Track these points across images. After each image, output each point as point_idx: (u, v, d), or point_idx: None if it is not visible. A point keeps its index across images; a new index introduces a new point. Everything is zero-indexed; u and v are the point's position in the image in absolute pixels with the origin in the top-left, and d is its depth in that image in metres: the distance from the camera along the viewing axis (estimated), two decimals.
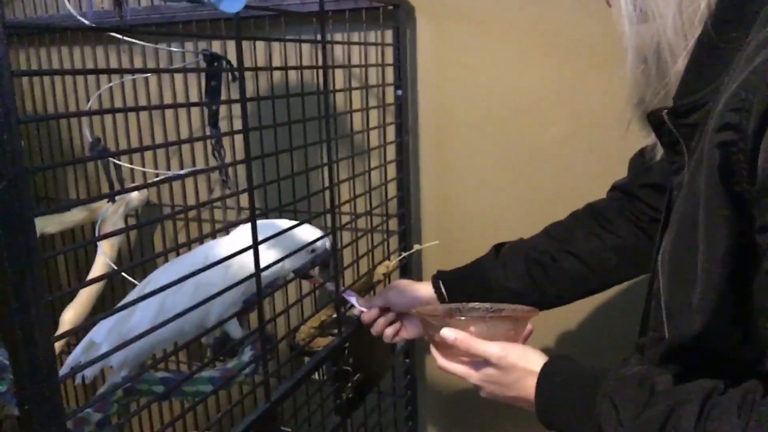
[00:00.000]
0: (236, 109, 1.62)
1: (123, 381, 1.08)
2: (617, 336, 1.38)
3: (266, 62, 1.55)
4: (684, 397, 0.64)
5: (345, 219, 1.45)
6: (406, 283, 1.20)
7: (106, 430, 1.04)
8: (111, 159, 0.87)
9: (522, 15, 1.37)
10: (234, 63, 1.17)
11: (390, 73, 1.43)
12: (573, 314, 1.44)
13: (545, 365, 0.82)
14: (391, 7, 1.39)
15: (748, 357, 0.61)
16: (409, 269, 1.53)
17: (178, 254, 1.23)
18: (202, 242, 1.26)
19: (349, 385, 1.21)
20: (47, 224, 1.59)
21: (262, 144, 1.45)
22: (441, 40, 1.45)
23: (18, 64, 1.83)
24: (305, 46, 1.53)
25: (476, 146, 1.48)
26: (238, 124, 1.61)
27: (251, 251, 0.86)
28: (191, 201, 1.70)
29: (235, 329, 1.18)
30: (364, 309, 1.17)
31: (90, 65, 1.74)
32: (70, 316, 1.51)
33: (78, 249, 1.81)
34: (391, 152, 1.44)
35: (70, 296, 1.52)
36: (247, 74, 1.54)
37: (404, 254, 1.47)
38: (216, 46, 1.56)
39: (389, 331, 1.17)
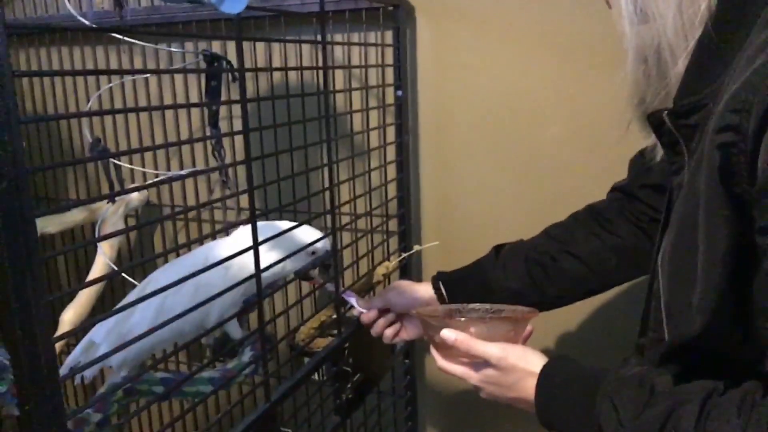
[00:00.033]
0: (236, 109, 1.62)
1: (123, 381, 1.08)
2: (617, 336, 1.38)
3: (266, 63, 1.55)
4: (684, 397, 0.64)
5: (345, 219, 1.45)
6: (406, 284, 1.20)
7: (106, 430, 1.04)
8: (111, 159, 0.87)
9: (522, 15, 1.37)
10: (234, 63, 1.18)
11: (390, 73, 1.43)
12: (573, 315, 1.44)
13: (545, 366, 0.82)
14: (391, 8, 1.39)
15: (749, 357, 0.61)
16: (409, 270, 1.53)
17: (178, 255, 1.23)
18: (202, 243, 1.26)
19: (349, 385, 1.21)
20: (47, 224, 1.59)
21: (262, 144, 1.45)
22: (441, 40, 1.45)
23: (18, 64, 1.83)
24: (305, 47, 1.53)
25: (476, 147, 1.48)
26: (237, 125, 1.61)
27: (251, 252, 0.86)
28: (191, 201, 1.70)
29: (235, 330, 1.18)
30: (363, 310, 1.17)
31: (90, 65, 1.74)
32: (69, 317, 1.51)
33: (78, 249, 1.81)
34: (391, 153, 1.45)
35: (70, 296, 1.52)
36: (248, 75, 1.54)
37: (404, 255, 1.47)
38: (216, 47, 1.56)
39: (389, 332, 1.17)
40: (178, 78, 1.64)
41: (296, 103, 1.39)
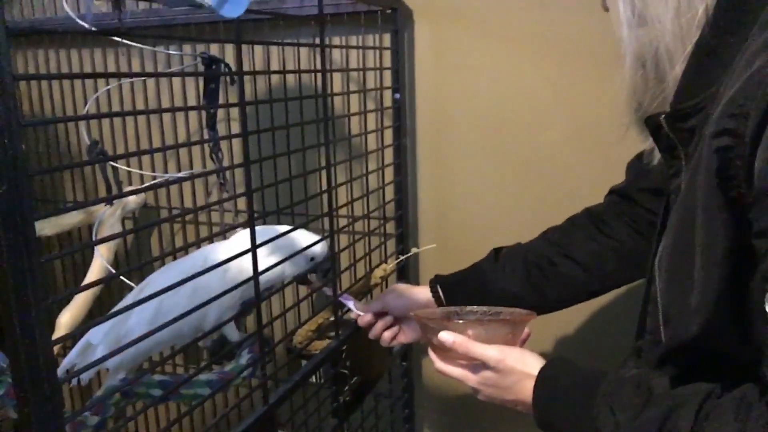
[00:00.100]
0: (234, 112, 1.62)
1: (121, 384, 1.08)
2: (614, 339, 1.37)
3: (264, 65, 1.56)
4: (681, 399, 0.65)
5: (342, 222, 1.45)
6: (403, 287, 1.20)
7: None
8: (111, 162, 0.87)
9: (520, 18, 1.37)
10: (232, 66, 1.18)
11: (388, 76, 1.43)
12: (570, 317, 1.44)
13: (543, 368, 0.82)
14: (389, 11, 1.39)
15: (746, 359, 0.62)
16: (407, 273, 1.53)
17: (175, 257, 1.23)
18: (199, 245, 1.26)
19: (347, 388, 1.21)
20: (44, 227, 1.58)
21: (260, 147, 1.45)
22: (439, 43, 1.45)
23: (16, 66, 1.83)
24: (303, 50, 1.53)
25: (474, 150, 1.48)
26: (235, 127, 1.61)
27: (249, 255, 0.86)
28: (188, 204, 1.70)
29: (232, 332, 1.18)
30: (361, 312, 1.17)
31: (88, 67, 1.74)
32: (66, 319, 1.51)
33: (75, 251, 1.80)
34: (388, 155, 1.45)
35: (67, 298, 1.52)
36: (246, 77, 1.54)
37: (402, 257, 1.47)
38: (214, 49, 1.56)
39: (387, 335, 1.17)
40: (176, 81, 1.64)
41: (294, 106, 1.39)
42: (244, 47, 1.53)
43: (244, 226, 0.88)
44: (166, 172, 1.67)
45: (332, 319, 1.19)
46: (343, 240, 1.49)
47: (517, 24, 1.38)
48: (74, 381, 1.12)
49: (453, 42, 1.44)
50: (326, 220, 1.10)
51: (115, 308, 0.77)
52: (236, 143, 1.59)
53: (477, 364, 0.87)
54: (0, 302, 0.54)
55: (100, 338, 1.06)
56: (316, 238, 1.13)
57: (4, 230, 0.52)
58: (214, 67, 1.11)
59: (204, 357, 1.59)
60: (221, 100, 1.15)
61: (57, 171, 1.95)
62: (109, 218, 1.58)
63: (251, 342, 1.11)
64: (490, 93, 1.43)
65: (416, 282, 1.58)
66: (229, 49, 1.56)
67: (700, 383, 0.66)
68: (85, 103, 1.71)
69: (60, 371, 1.04)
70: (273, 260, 1.02)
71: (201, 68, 1.10)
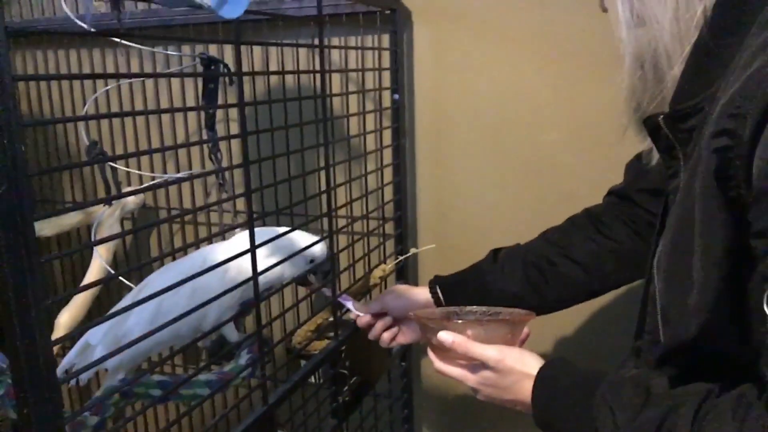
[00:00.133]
0: (232, 112, 1.62)
1: (120, 385, 1.08)
2: (613, 339, 1.38)
3: (263, 66, 1.56)
4: (680, 400, 0.65)
5: (341, 222, 1.45)
6: (403, 288, 1.20)
7: None
8: (110, 163, 0.87)
9: (519, 19, 1.37)
10: (231, 67, 1.18)
11: (387, 77, 1.44)
12: (569, 317, 1.44)
13: (542, 368, 0.82)
14: (388, 12, 1.39)
15: (745, 359, 0.62)
16: (406, 273, 1.53)
17: (174, 258, 1.23)
18: (198, 246, 1.26)
19: (346, 388, 1.21)
20: (43, 227, 1.58)
21: (259, 147, 1.45)
22: (438, 44, 1.46)
23: (15, 67, 1.83)
24: (302, 50, 1.53)
25: (473, 150, 1.48)
26: (234, 128, 1.62)
27: (249, 256, 0.87)
28: (187, 204, 1.70)
29: (231, 333, 1.18)
30: (360, 313, 1.17)
31: (87, 68, 1.73)
32: (65, 319, 1.51)
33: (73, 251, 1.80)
34: (387, 156, 1.45)
35: (66, 299, 1.52)
36: (245, 78, 1.54)
37: (400, 258, 1.48)
38: (213, 50, 1.56)
39: (386, 336, 1.17)
40: (175, 81, 1.64)
41: (293, 106, 1.39)
42: (243, 48, 1.53)
43: (243, 226, 0.88)
44: (165, 172, 1.67)
45: (331, 319, 1.19)
46: (342, 240, 1.49)
47: (516, 24, 1.38)
48: (73, 381, 1.12)
49: (452, 42, 1.44)
50: (325, 220, 1.10)
51: (114, 308, 0.77)
52: (235, 144, 1.59)
53: (476, 364, 0.87)
54: (0, 302, 0.54)
55: (99, 338, 1.06)
56: (315, 238, 1.13)
57: (4, 230, 0.52)
58: (213, 67, 1.11)
59: (203, 357, 1.59)
60: (220, 101, 1.15)
61: (56, 171, 1.94)
62: (108, 219, 1.58)
63: (250, 342, 1.11)
64: (489, 93, 1.44)
65: (415, 282, 1.58)
66: (228, 50, 1.56)
67: (699, 383, 0.66)
68: (85, 104, 1.71)
69: (59, 371, 1.04)
70: (272, 261, 1.02)
71: (200, 69, 1.10)
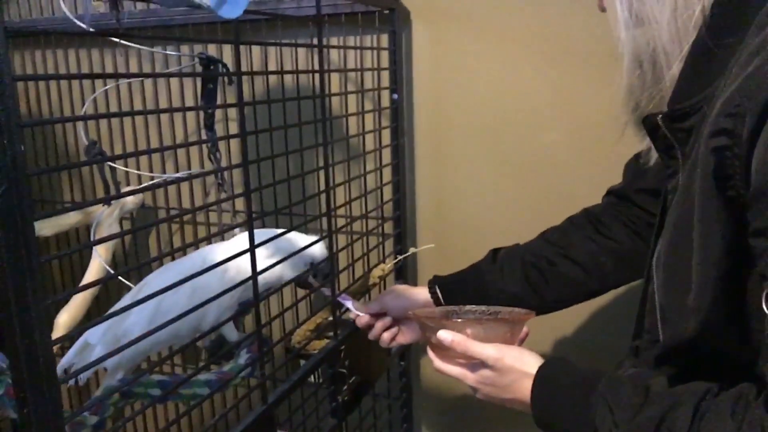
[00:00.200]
0: (231, 112, 1.62)
1: (119, 384, 1.08)
2: (612, 338, 1.38)
3: (262, 66, 1.56)
4: (678, 399, 0.65)
5: (341, 222, 1.45)
6: (402, 288, 1.21)
7: None
8: (109, 163, 0.87)
9: (518, 19, 1.37)
10: (230, 66, 1.18)
11: (386, 76, 1.44)
12: (568, 317, 1.44)
13: (541, 367, 0.82)
14: (386, 11, 1.39)
15: (746, 358, 0.62)
16: (405, 272, 1.53)
17: (173, 258, 1.23)
18: (197, 246, 1.26)
19: (345, 387, 1.21)
20: (43, 227, 1.58)
21: (258, 147, 1.46)
22: (437, 44, 1.46)
23: (14, 67, 1.83)
24: (301, 50, 1.53)
25: (472, 150, 1.48)
26: (233, 127, 1.62)
27: (248, 256, 0.87)
28: (186, 204, 1.70)
29: (231, 332, 1.18)
30: (359, 312, 1.17)
31: (86, 68, 1.73)
32: (65, 319, 1.51)
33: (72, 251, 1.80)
34: (386, 156, 1.45)
35: (66, 299, 1.52)
36: (244, 78, 1.54)
37: (399, 257, 1.48)
38: (212, 50, 1.56)
39: (386, 336, 1.17)
40: (174, 81, 1.64)
41: (292, 106, 1.39)
42: (242, 48, 1.53)
43: (242, 226, 0.88)
44: (164, 172, 1.67)
45: (331, 318, 1.19)
46: (342, 240, 1.49)
47: (515, 24, 1.38)
48: (72, 380, 1.12)
49: (451, 42, 1.44)
50: (324, 220, 1.10)
51: (114, 308, 0.77)
52: (234, 144, 1.59)
53: (475, 363, 0.87)
54: (0, 302, 0.54)
55: (98, 338, 1.06)
56: (313, 238, 1.13)
57: (4, 230, 0.52)
58: (212, 67, 1.11)
59: (203, 357, 1.59)
60: (219, 101, 1.15)
61: (55, 171, 1.94)
62: (107, 218, 1.58)
63: (250, 342, 1.11)
64: (488, 93, 1.44)
65: (414, 282, 1.58)
66: (227, 50, 1.56)
67: (698, 382, 0.66)
68: (83, 104, 1.71)
69: (58, 371, 1.04)
70: (272, 262, 1.02)
71: (199, 69, 1.10)
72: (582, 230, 1.08)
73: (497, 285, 1.10)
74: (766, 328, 0.57)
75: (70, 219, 1.62)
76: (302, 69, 1.54)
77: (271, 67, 1.55)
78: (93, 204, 0.86)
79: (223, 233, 1.38)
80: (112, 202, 1.56)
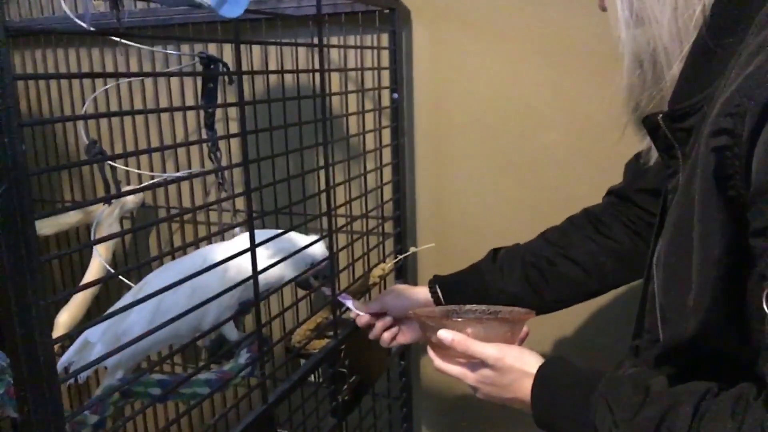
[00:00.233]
0: (231, 111, 1.62)
1: (120, 383, 1.08)
2: (612, 338, 1.38)
3: (263, 65, 1.56)
4: (678, 398, 0.65)
5: (341, 222, 1.45)
6: (402, 288, 1.21)
7: None
8: (109, 162, 0.87)
9: (518, 18, 1.37)
10: (230, 66, 1.18)
11: (386, 76, 1.44)
12: (568, 316, 1.44)
13: (541, 367, 0.82)
14: (387, 11, 1.39)
15: (746, 358, 0.62)
16: (405, 272, 1.53)
17: (174, 257, 1.23)
18: (197, 245, 1.27)
19: (345, 387, 1.21)
20: (43, 226, 1.58)
21: (258, 147, 1.46)
22: (437, 43, 1.46)
23: (14, 66, 1.83)
24: (301, 49, 1.53)
25: (472, 149, 1.48)
26: (234, 127, 1.62)
27: (249, 256, 0.87)
28: (187, 203, 1.70)
29: (231, 332, 1.18)
30: (360, 312, 1.18)
31: (86, 67, 1.73)
32: (65, 319, 1.51)
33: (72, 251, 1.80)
34: (387, 155, 1.45)
35: (66, 298, 1.52)
36: (244, 77, 1.54)
37: (400, 257, 1.48)
38: (212, 49, 1.56)
39: (387, 336, 1.17)
40: (175, 80, 1.64)
41: (292, 105, 1.39)
42: (243, 47, 1.54)
43: (242, 225, 0.88)
44: (164, 171, 1.67)
45: (331, 318, 1.19)
46: (342, 239, 1.49)
47: (516, 24, 1.38)
48: (71, 379, 1.12)
49: (451, 42, 1.44)
50: (324, 219, 1.10)
51: (114, 307, 0.77)
52: (234, 143, 1.60)
53: (476, 363, 0.87)
54: (0, 302, 0.54)
55: (98, 336, 1.06)
56: (319, 243, 1.13)
57: (4, 230, 0.52)
58: (212, 66, 1.11)
59: (203, 356, 1.59)
60: (219, 100, 1.15)
61: (55, 171, 1.94)
62: (107, 218, 1.58)
63: (250, 341, 1.11)
64: (488, 93, 1.44)
65: (414, 281, 1.58)
66: (228, 49, 1.56)
67: (698, 382, 0.66)
68: (84, 103, 1.71)
69: (58, 369, 1.04)
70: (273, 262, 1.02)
71: (199, 68, 1.10)
72: (582, 230, 1.08)
73: (497, 285, 1.10)
74: (766, 328, 0.57)
75: (71, 218, 1.62)
76: (302, 68, 1.54)
77: (272, 66, 1.55)
78: (93, 203, 0.86)
79: (223, 233, 1.38)
80: (113, 201, 1.56)
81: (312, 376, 1.18)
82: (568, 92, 1.37)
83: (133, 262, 1.82)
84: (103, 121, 1.72)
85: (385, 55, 1.43)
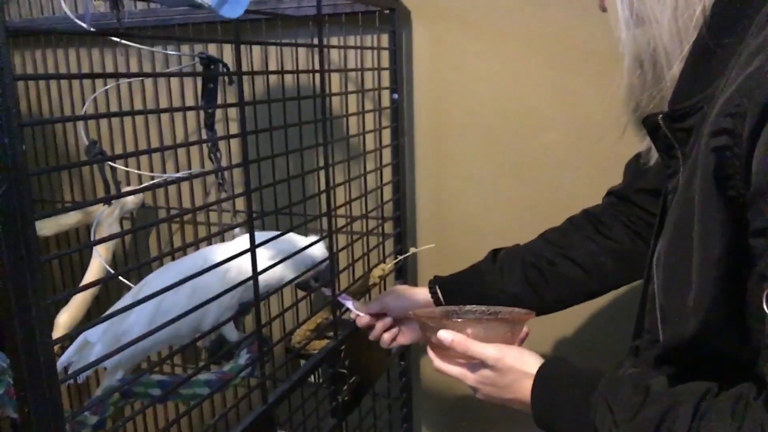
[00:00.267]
0: (231, 112, 1.62)
1: (120, 384, 1.08)
2: (612, 338, 1.38)
3: (263, 65, 1.56)
4: (678, 398, 0.65)
5: (341, 222, 1.45)
6: (403, 288, 1.20)
7: None
8: (109, 162, 0.87)
9: (518, 19, 1.37)
10: (230, 66, 1.18)
11: (386, 76, 1.44)
12: (568, 317, 1.44)
13: (541, 367, 0.82)
14: (387, 11, 1.39)
15: (746, 358, 0.62)
16: (405, 272, 1.53)
17: (174, 258, 1.23)
18: (197, 245, 1.26)
19: (345, 387, 1.21)
20: (43, 227, 1.58)
21: (258, 147, 1.46)
22: (437, 44, 1.46)
23: (14, 66, 1.83)
24: (301, 50, 1.53)
25: (472, 150, 1.48)
26: (234, 127, 1.62)
27: (249, 257, 0.87)
28: (187, 204, 1.70)
29: (231, 332, 1.18)
30: (360, 312, 1.17)
31: (86, 67, 1.73)
32: (65, 319, 1.51)
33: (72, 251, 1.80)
34: (387, 155, 1.45)
35: (66, 299, 1.52)
36: (244, 77, 1.54)
37: (400, 257, 1.48)
38: (212, 49, 1.56)
39: (387, 337, 1.17)
40: (175, 81, 1.64)
41: (292, 106, 1.39)
42: (243, 47, 1.53)
43: (242, 226, 0.88)
44: (164, 172, 1.67)
45: (331, 318, 1.19)
46: (342, 240, 1.49)
47: (515, 24, 1.38)
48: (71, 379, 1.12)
49: (451, 42, 1.44)
50: (324, 220, 1.10)
51: (113, 308, 0.77)
52: (235, 143, 1.59)
53: (476, 363, 0.87)
54: (0, 302, 0.54)
55: (98, 336, 1.06)
56: (319, 245, 1.13)
57: (4, 230, 0.52)
58: (212, 67, 1.11)
59: (203, 357, 1.59)
60: (220, 101, 1.15)
61: (55, 171, 1.94)
62: (107, 218, 1.58)
63: (250, 342, 1.11)
64: (488, 93, 1.44)
65: (414, 282, 1.58)
66: (228, 50, 1.56)
67: (698, 382, 0.66)
68: (84, 103, 1.71)
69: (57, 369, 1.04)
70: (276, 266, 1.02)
71: (199, 68, 1.10)
72: (582, 230, 1.08)
73: (497, 285, 1.10)
74: (766, 328, 0.57)
75: (71, 219, 1.62)
76: (302, 69, 1.54)
77: (272, 66, 1.55)
78: (93, 204, 0.86)
79: (223, 233, 1.38)
80: (113, 201, 1.56)
81: (312, 376, 1.18)
82: (568, 92, 1.37)
83: (133, 262, 1.82)
84: (103, 122, 1.72)
85: (385, 55, 1.43)
